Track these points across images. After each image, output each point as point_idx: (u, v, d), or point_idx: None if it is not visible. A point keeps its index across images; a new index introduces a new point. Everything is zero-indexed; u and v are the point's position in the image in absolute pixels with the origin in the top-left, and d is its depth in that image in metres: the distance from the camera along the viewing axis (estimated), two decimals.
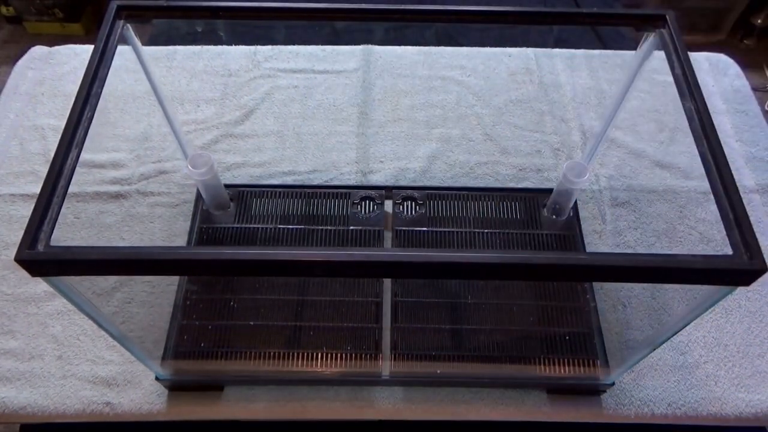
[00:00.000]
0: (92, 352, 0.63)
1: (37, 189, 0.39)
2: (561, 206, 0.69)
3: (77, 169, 0.40)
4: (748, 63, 1.55)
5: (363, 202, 0.70)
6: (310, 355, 0.61)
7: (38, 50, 0.90)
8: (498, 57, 0.90)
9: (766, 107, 1.53)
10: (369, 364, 0.62)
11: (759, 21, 1.66)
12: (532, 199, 0.72)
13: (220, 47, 0.90)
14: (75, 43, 0.91)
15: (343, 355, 0.61)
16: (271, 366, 0.61)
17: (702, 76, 0.89)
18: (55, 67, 0.87)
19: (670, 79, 0.47)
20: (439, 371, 0.62)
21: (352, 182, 0.75)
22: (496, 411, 0.61)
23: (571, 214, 0.71)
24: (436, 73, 0.88)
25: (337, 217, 0.69)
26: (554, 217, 0.70)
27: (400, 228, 0.68)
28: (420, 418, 0.61)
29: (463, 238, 0.68)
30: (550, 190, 0.71)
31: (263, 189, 0.71)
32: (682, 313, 0.44)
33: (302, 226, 0.68)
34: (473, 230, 0.69)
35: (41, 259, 0.35)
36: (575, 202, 0.72)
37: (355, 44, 0.91)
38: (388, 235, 0.69)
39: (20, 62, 0.88)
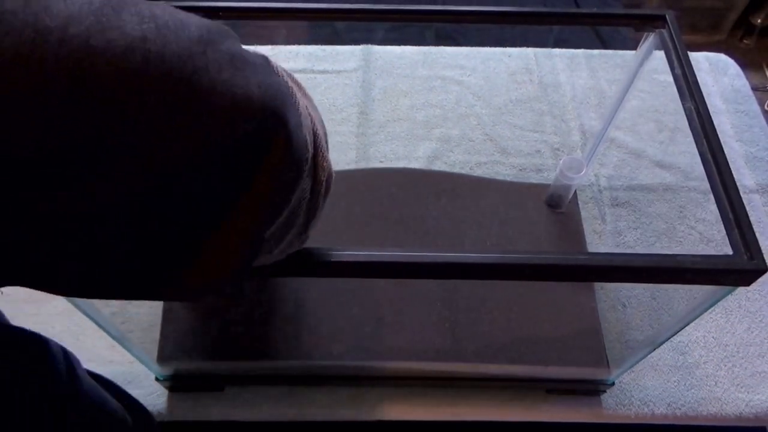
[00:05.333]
0: (92, 352, 0.63)
1: None
2: (559, 201, 0.70)
3: None
4: (748, 63, 1.56)
5: None
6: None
7: None
8: (498, 57, 0.90)
9: (766, 107, 1.53)
10: (369, 364, 0.62)
11: (759, 21, 1.66)
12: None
13: None
14: None
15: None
16: (270, 365, 0.61)
17: (702, 76, 0.89)
18: None
19: (670, 78, 0.47)
20: (438, 371, 0.62)
21: None
22: (496, 411, 0.61)
23: (575, 210, 0.71)
24: (436, 73, 0.88)
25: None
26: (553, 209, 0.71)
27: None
28: (420, 418, 0.61)
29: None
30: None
31: None
32: (682, 313, 0.44)
33: None
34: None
35: None
36: (576, 200, 0.72)
37: (355, 44, 0.91)
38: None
39: None
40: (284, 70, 0.31)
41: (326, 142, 0.33)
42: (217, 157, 0.23)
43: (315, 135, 0.30)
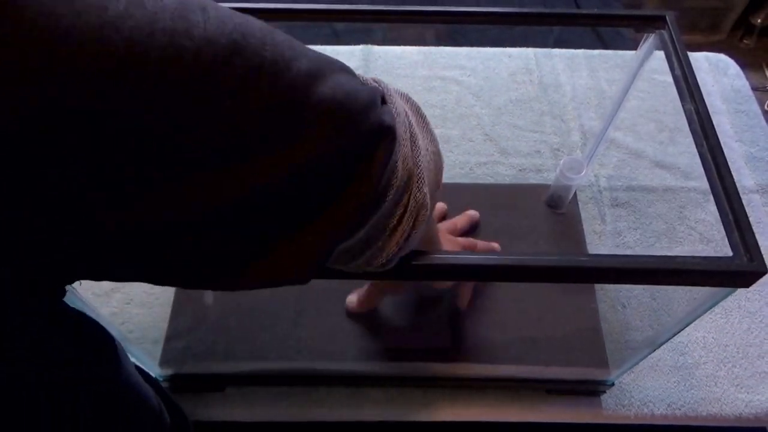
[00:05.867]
0: None
1: None
2: (559, 201, 0.70)
3: None
4: (748, 63, 1.56)
5: None
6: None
7: None
8: (498, 57, 0.90)
9: (766, 107, 1.53)
10: (369, 364, 0.62)
11: (759, 21, 1.66)
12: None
13: None
14: None
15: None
16: (271, 366, 0.61)
17: (702, 76, 0.89)
18: None
19: (670, 79, 0.47)
20: (439, 371, 0.62)
21: None
22: (496, 411, 0.61)
23: (575, 210, 0.71)
24: (435, 73, 0.88)
25: None
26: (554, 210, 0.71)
27: None
28: (420, 419, 0.61)
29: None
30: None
31: None
32: (681, 314, 0.44)
33: None
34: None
35: None
36: (576, 200, 0.72)
37: (354, 44, 0.91)
38: None
39: None
40: (409, 104, 0.35)
41: (431, 178, 0.35)
42: (313, 170, 0.26)
43: (417, 166, 0.32)
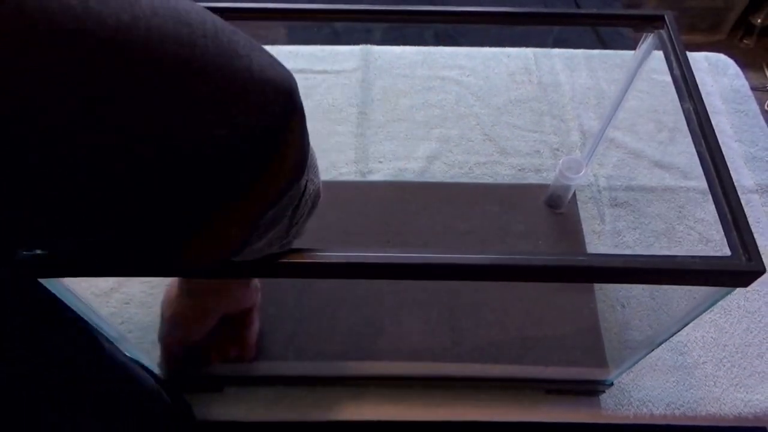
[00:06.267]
0: None
1: None
2: (558, 201, 0.70)
3: None
4: (747, 63, 1.56)
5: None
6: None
7: None
8: (497, 57, 0.90)
9: (765, 107, 1.53)
10: (368, 365, 0.62)
11: (759, 21, 1.66)
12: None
13: None
14: None
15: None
16: (269, 366, 0.61)
17: (701, 76, 0.89)
18: None
19: (669, 79, 0.47)
20: (439, 372, 0.62)
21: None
22: (496, 411, 0.61)
23: (574, 210, 0.71)
24: (435, 73, 0.88)
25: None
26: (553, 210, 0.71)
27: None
28: (419, 419, 0.61)
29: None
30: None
31: None
32: (680, 314, 0.44)
33: None
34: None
35: (39, 261, 0.35)
36: (576, 200, 0.72)
37: (354, 44, 0.91)
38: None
39: None
40: None
41: (317, 166, 0.37)
42: (242, 138, 0.27)
43: (312, 157, 0.34)
